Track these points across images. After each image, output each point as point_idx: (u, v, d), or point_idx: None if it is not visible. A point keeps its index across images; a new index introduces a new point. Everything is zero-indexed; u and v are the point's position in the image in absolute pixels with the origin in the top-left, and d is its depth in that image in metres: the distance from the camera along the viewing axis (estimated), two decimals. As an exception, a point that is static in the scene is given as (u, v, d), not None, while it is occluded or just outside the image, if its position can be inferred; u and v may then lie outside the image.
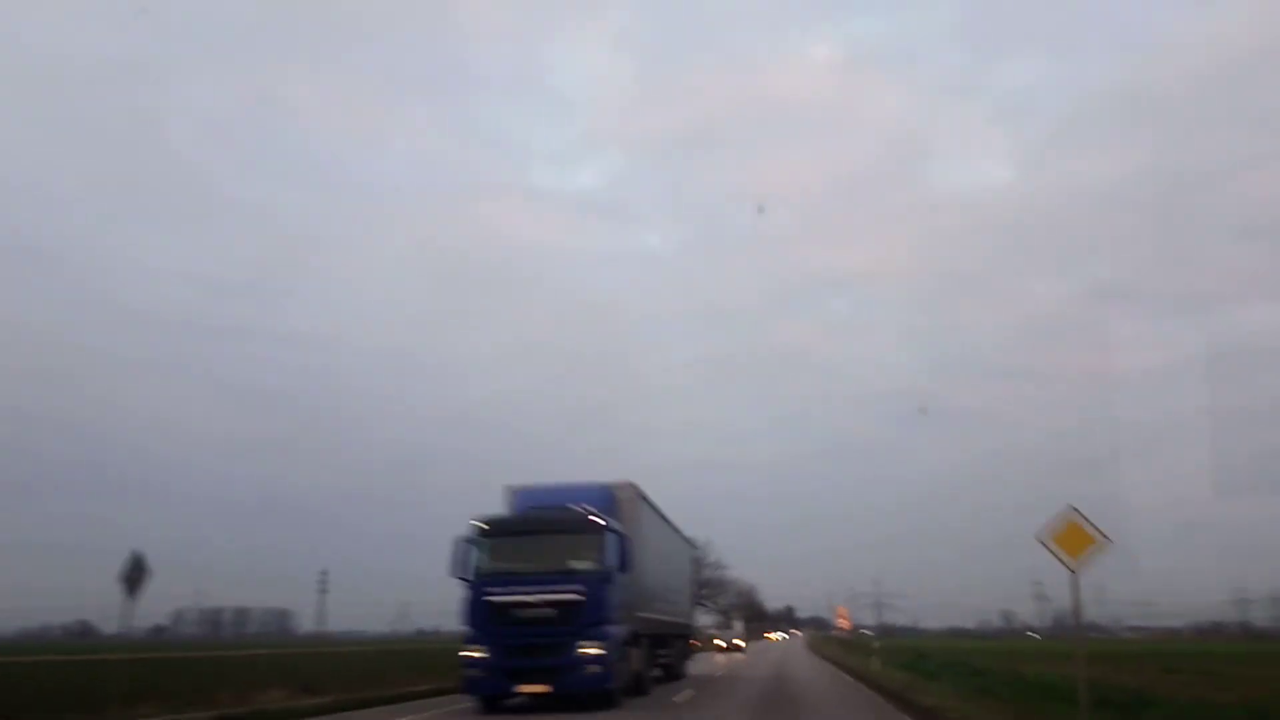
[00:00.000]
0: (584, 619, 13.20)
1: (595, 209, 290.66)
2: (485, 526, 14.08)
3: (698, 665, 28.15)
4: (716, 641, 52.36)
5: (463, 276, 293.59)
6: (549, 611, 13.13)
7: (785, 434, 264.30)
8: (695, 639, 25.22)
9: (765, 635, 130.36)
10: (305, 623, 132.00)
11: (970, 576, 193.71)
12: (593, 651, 13.05)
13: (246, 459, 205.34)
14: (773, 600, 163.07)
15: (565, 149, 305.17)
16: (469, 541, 14.08)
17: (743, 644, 52.67)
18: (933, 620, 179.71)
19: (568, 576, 13.48)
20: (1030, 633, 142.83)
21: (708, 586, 64.89)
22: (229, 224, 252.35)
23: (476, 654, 13.33)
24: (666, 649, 19.14)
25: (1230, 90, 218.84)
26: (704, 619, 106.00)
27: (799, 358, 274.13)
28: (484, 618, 13.50)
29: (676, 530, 22.98)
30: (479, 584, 13.74)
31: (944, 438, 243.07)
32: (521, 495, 16.04)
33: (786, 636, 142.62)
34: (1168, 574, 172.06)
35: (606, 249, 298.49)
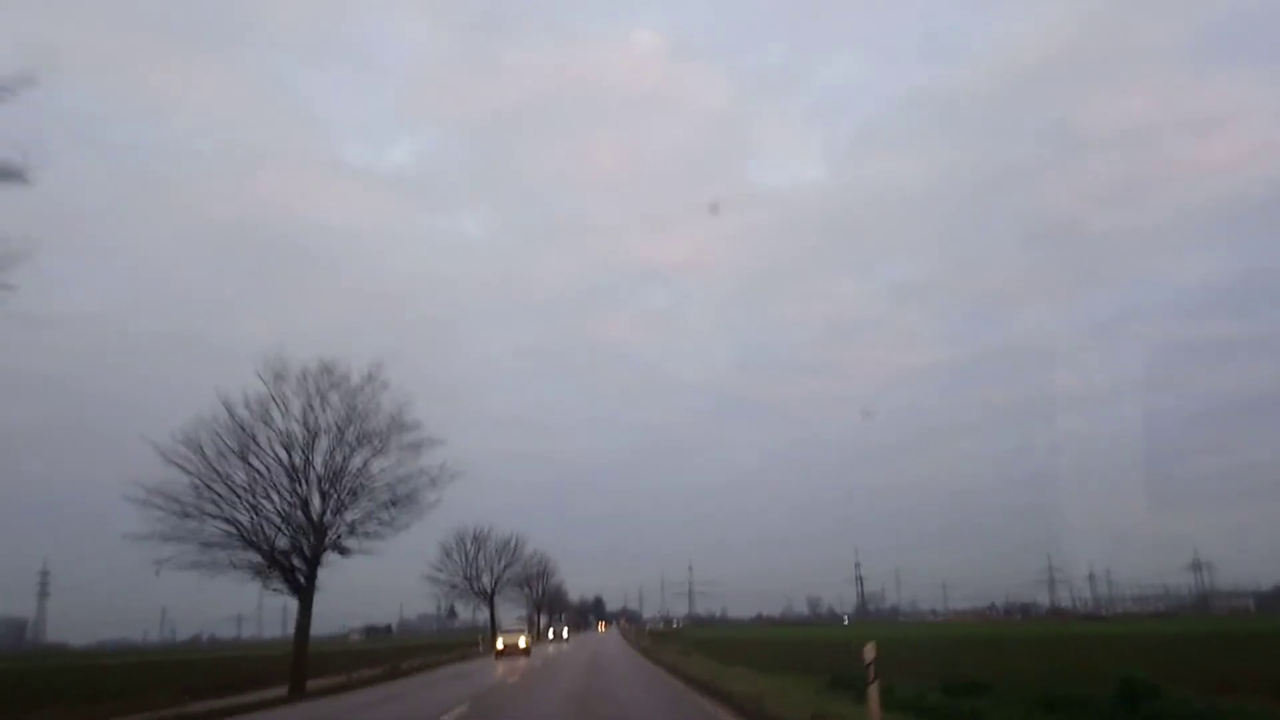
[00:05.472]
0: None
1: (407, 188, 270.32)
2: None
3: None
4: None
5: (256, 255, 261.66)
6: None
7: (601, 427, 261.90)
8: None
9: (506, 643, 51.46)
10: (52, 633, 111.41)
11: (775, 563, 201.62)
12: None
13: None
14: (583, 592, 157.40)
15: (376, 123, 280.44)
16: None
17: None
18: (738, 608, 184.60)
19: None
20: (845, 619, 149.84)
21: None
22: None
23: None
24: None
25: (1019, 99, 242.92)
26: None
27: (616, 350, 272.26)
28: None
29: None
30: None
31: (751, 430, 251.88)
32: None
33: (562, 636, 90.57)
34: (961, 556, 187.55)
35: (418, 230, 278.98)
